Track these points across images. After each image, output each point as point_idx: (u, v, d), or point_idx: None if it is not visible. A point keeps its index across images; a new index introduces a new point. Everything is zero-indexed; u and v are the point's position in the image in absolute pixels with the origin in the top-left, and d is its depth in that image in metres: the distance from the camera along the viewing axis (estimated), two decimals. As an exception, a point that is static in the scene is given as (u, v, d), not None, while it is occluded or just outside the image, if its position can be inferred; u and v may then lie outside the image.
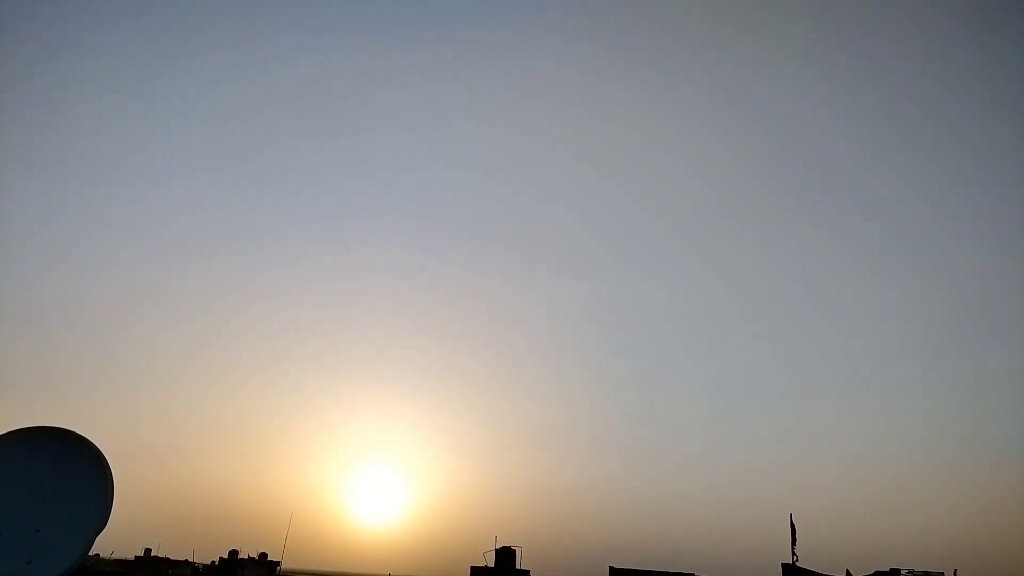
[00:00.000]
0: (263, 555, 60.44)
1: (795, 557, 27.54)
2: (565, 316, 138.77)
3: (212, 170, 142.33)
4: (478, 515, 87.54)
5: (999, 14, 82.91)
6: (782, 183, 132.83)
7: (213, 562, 60.81)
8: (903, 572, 28.37)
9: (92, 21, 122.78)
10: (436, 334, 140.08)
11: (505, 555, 37.62)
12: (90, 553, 6.79)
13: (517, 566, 37.59)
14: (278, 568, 60.29)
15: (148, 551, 59.75)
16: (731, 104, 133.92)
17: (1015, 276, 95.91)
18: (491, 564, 37.39)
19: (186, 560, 59.67)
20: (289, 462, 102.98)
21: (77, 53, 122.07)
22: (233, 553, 59.80)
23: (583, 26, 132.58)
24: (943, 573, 28.22)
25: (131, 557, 59.03)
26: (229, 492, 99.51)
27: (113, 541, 52.25)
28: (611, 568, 31.58)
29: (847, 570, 29.40)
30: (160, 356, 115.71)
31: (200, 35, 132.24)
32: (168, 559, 58.47)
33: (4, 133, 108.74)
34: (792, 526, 27.72)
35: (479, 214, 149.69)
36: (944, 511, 73.94)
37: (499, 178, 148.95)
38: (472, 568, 36.92)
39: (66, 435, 6.86)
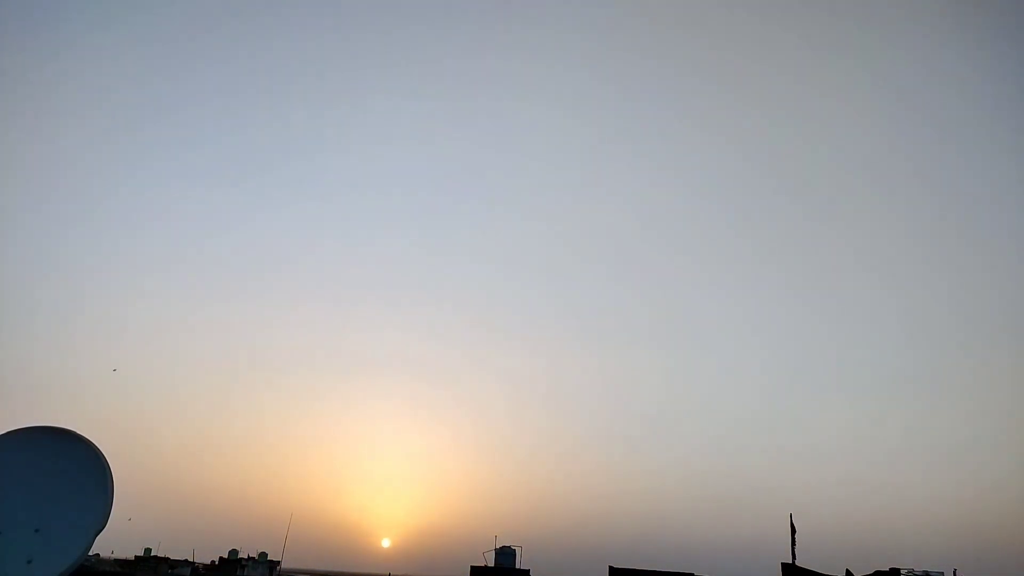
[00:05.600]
0: (263, 555, 60.57)
1: (795, 557, 27.57)
2: (563, 317, 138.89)
3: (214, 171, 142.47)
4: (478, 515, 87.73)
5: (999, 14, 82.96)
6: (781, 183, 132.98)
7: (213, 562, 60.96)
8: (903, 572, 28.37)
9: (96, 22, 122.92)
10: (436, 335, 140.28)
11: (505, 555, 37.69)
12: (90, 553, 6.77)
13: (517, 566, 37.65)
14: (278, 568, 60.41)
15: (148, 551, 59.85)
16: (727, 104, 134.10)
17: (1015, 276, 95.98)
18: (491, 564, 37.45)
19: (186, 560, 59.79)
20: (289, 462, 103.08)
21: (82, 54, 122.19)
22: (233, 553, 59.94)
23: (578, 27, 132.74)
24: (943, 573, 28.23)
25: (131, 557, 59.15)
26: (229, 492, 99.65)
27: (113, 541, 52.35)
28: (611, 568, 31.59)
29: (847, 570, 29.41)
30: (160, 356, 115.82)
31: (192, 24, 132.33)
32: (168, 559, 58.57)
33: (8, 133, 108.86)
34: (792, 526, 27.75)
35: (479, 215, 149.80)
36: (944, 511, 74.12)
37: (499, 180, 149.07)
38: (472, 568, 36.96)
39: (66, 435, 6.84)
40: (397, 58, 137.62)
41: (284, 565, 60.90)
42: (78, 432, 6.80)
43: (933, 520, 72.20)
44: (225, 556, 60.21)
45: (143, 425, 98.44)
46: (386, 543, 63.30)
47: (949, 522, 70.67)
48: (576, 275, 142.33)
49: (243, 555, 60.21)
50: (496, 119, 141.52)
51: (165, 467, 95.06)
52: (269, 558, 60.24)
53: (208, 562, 61.73)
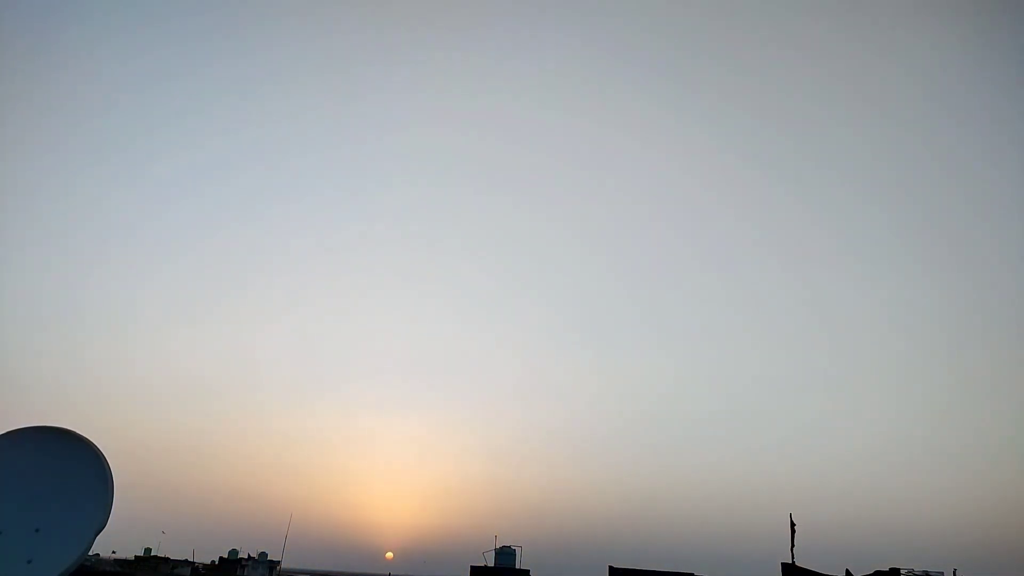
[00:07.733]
0: (263, 555, 60.65)
1: (795, 557, 27.61)
2: (566, 317, 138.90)
3: (210, 170, 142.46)
4: (478, 515, 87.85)
5: (999, 13, 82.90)
6: (781, 182, 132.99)
7: (213, 562, 61.04)
8: (903, 572, 28.39)
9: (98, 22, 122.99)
10: (438, 334, 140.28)
11: (505, 555, 37.76)
12: (90, 553, 6.77)
13: (517, 566, 37.72)
14: (278, 568, 60.48)
15: (148, 551, 59.94)
16: (730, 102, 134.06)
17: (1015, 276, 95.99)
18: (491, 564, 37.52)
19: (186, 560, 59.86)
20: (289, 462, 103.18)
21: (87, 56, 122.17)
22: (233, 553, 60.02)
23: (581, 26, 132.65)
24: (943, 573, 28.25)
25: (131, 557, 59.22)
26: (229, 492, 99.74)
27: (113, 541, 52.43)
28: (611, 568, 31.62)
29: (847, 570, 29.44)
30: (160, 355, 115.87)
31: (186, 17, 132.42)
32: (168, 559, 58.66)
33: (8, 131, 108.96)
34: (792, 526, 27.80)
35: (479, 213, 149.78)
36: (944, 511, 74.16)
37: (502, 177, 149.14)
38: (472, 568, 37.00)
39: (66, 435, 6.84)
40: (395, 53, 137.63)
41: (284, 565, 60.98)
42: (78, 432, 6.81)
43: (933, 520, 72.34)
44: (225, 556, 60.30)
45: (143, 425, 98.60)
46: (386, 542, 63.45)
47: (949, 522, 70.81)
48: (576, 274, 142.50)
49: (243, 555, 60.31)
50: (496, 115, 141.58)
51: (165, 467, 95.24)
52: (269, 558, 60.32)
53: (208, 562, 61.81)
